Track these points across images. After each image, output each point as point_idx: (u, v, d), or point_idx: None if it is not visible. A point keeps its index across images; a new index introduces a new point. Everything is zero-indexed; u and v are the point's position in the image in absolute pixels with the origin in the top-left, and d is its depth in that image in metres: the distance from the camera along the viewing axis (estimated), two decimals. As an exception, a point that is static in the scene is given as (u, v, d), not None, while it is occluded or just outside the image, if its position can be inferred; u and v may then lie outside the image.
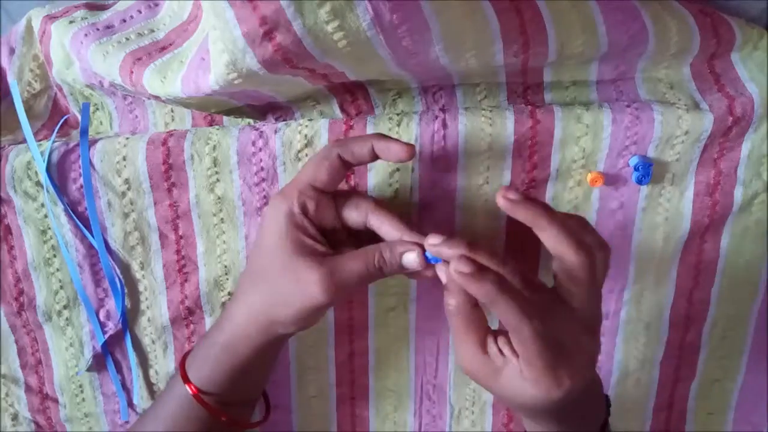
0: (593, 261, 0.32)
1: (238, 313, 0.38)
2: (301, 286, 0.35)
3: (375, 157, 0.36)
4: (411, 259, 0.35)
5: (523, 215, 0.32)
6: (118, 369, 0.48)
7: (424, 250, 0.35)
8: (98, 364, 0.48)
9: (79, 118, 0.44)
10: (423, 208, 0.42)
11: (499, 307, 0.30)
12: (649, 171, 0.41)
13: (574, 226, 0.32)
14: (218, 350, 0.38)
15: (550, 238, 0.32)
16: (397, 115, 0.41)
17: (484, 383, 0.34)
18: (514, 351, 0.32)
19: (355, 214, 0.37)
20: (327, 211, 0.37)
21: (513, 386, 0.32)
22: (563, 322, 0.32)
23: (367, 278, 0.35)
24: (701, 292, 0.45)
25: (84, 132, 0.43)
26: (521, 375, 0.32)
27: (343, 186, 0.42)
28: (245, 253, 0.44)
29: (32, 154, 0.43)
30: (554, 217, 0.32)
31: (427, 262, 0.35)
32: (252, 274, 0.38)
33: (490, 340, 0.33)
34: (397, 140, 0.35)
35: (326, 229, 0.37)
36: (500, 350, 0.33)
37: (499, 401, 0.36)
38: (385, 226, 0.36)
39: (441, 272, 0.35)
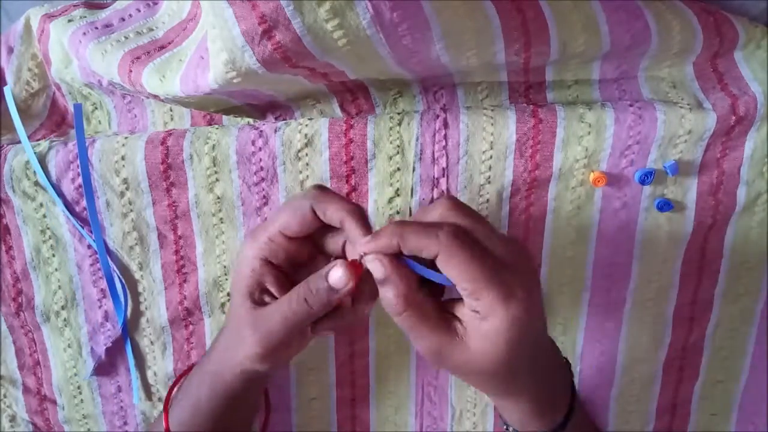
0: (445, 238, 0.30)
1: (215, 354, 0.38)
2: (240, 332, 0.34)
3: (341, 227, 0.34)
4: (337, 276, 0.32)
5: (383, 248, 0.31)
6: (117, 371, 0.48)
7: (353, 262, 0.32)
8: (102, 367, 0.48)
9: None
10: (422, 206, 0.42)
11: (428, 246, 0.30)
12: (652, 171, 0.41)
13: (416, 226, 0.31)
14: (204, 380, 0.39)
15: (411, 250, 0.31)
16: (398, 114, 0.41)
17: (455, 363, 0.32)
18: (468, 311, 0.31)
19: (331, 243, 0.36)
20: (300, 251, 0.35)
21: (478, 340, 0.31)
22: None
23: (293, 319, 0.33)
24: (704, 292, 0.45)
25: (79, 132, 0.42)
26: (477, 318, 0.31)
27: (343, 186, 0.42)
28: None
29: (28, 155, 0.43)
30: (403, 230, 0.31)
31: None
32: (228, 317, 0.38)
33: (445, 316, 0.32)
34: (364, 227, 0.33)
35: (305, 265, 0.36)
36: (456, 317, 0.32)
37: (473, 382, 0.34)
38: (350, 231, 0.33)
39: (375, 264, 0.31)
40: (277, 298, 0.34)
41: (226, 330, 0.38)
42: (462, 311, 0.32)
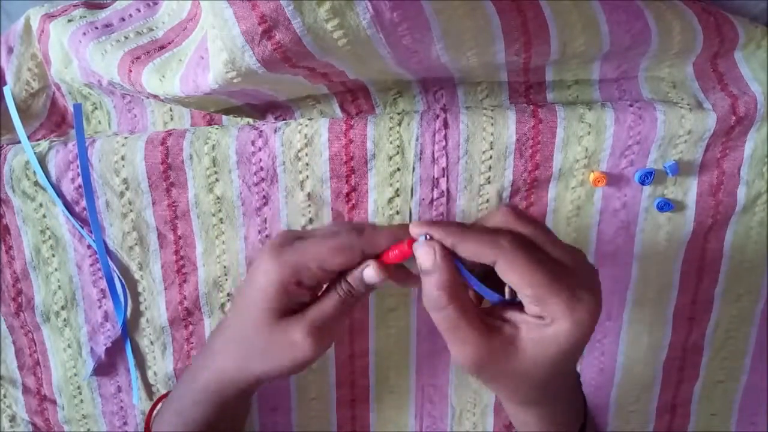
0: (514, 247, 0.30)
1: (219, 368, 0.37)
2: (288, 345, 0.34)
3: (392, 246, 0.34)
4: (369, 274, 0.33)
5: (439, 239, 0.31)
6: (116, 371, 0.48)
7: (381, 262, 0.33)
8: (102, 367, 0.48)
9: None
10: (423, 208, 0.42)
11: (500, 247, 0.30)
12: (652, 171, 0.41)
13: (482, 228, 0.32)
14: (197, 397, 0.38)
15: (469, 253, 0.31)
16: (398, 114, 0.41)
17: (500, 368, 0.31)
18: (519, 310, 0.31)
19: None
20: (323, 277, 0.35)
21: (535, 344, 0.30)
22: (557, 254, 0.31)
23: (343, 310, 0.34)
24: (704, 292, 0.45)
25: (79, 132, 0.42)
26: (539, 323, 0.30)
27: (343, 186, 0.42)
28: (245, 254, 0.44)
29: (28, 155, 0.43)
30: (463, 231, 0.31)
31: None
32: (233, 334, 0.37)
33: (488, 318, 0.31)
34: (415, 225, 0.32)
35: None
36: (504, 320, 0.31)
37: (510, 389, 0.33)
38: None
39: (423, 252, 0.31)
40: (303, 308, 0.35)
41: (231, 344, 0.36)
42: (516, 317, 0.31)
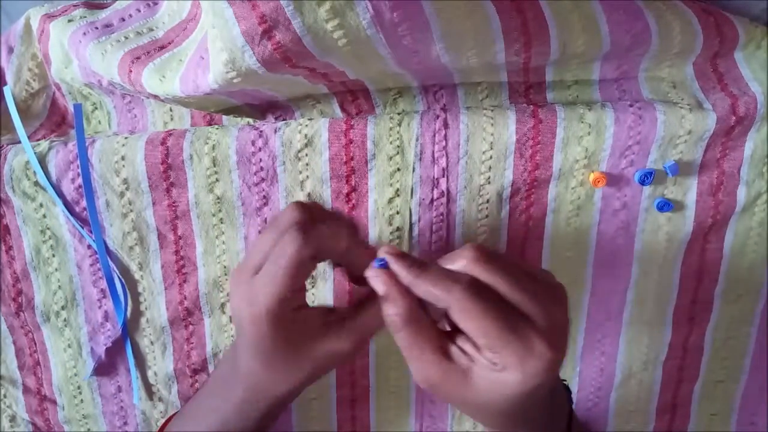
0: (469, 292, 0.30)
1: (240, 391, 0.37)
2: (317, 362, 0.34)
3: (347, 247, 0.34)
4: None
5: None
6: (117, 371, 0.48)
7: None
8: (102, 367, 0.48)
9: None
10: (423, 208, 0.42)
11: (451, 293, 0.29)
12: (652, 171, 0.41)
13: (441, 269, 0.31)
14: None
15: (423, 294, 0.31)
16: (398, 114, 0.41)
17: (452, 393, 0.31)
18: (476, 346, 0.31)
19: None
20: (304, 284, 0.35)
21: (487, 383, 0.30)
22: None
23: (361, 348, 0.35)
24: (704, 292, 0.45)
25: (79, 132, 0.42)
26: (491, 367, 0.30)
27: (343, 186, 0.42)
28: (245, 254, 0.44)
29: (28, 155, 0.43)
30: (420, 271, 0.31)
31: (376, 266, 0.33)
32: (255, 353, 0.35)
33: (448, 344, 0.32)
34: (365, 249, 0.33)
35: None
36: (462, 350, 0.31)
37: (468, 412, 0.34)
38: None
39: (377, 281, 0.32)
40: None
41: (258, 359, 0.35)
42: (472, 352, 0.31)
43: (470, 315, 0.29)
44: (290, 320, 0.33)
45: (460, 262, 0.31)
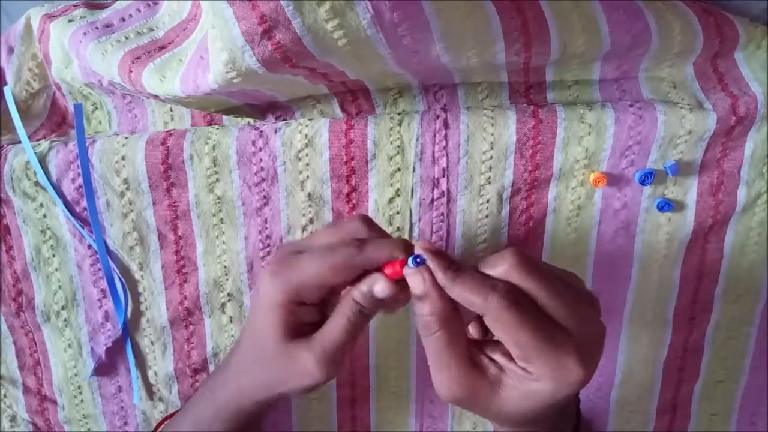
0: (507, 303, 0.29)
1: (230, 391, 0.37)
2: (298, 370, 0.34)
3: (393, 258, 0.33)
4: (380, 288, 0.32)
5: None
6: (117, 371, 0.48)
7: (385, 274, 0.32)
8: (102, 367, 0.48)
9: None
10: (424, 208, 0.42)
11: (498, 298, 0.29)
12: (652, 171, 0.41)
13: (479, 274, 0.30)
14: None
15: (458, 298, 0.30)
16: (398, 114, 0.41)
17: (480, 404, 0.31)
18: (507, 355, 0.30)
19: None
20: (325, 293, 0.35)
21: (518, 394, 0.30)
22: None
23: (353, 331, 0.33)
24: (704, 293, 0.45)
25: (80, 132, 0.42)
26: (525, 376, 0.30)
27: (343, 186, 0.42)
28: (245, 254, 0.44)
29: (28, 155, 0.43)
30: (457, 274, 0.30)
31: (413, 266, 0.32)
32: (245, 358, 0.37)
33: (476, 352, 0.31)
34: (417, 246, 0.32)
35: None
36: (491, 359, 0.31)
37: (489, 418, 0.34)
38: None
39: (416, 279, 0.31)
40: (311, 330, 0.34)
41: (247, 364, 0.36)
42: (504, 361, 0.31)
43: (507, 324, 0.29)
44: (295, 314, 0.34)
45: (501, 267, 0.30)
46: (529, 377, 0.30)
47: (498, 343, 0.31)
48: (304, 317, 0.34)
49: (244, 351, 0.37)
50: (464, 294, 0.30)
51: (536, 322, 0.29)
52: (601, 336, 0.31)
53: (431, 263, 0.31)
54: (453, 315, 0.31)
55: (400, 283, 0.32)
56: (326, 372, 0.33)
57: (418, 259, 0.31)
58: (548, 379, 0.29)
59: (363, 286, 0.32)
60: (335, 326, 0.33)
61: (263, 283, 0.34)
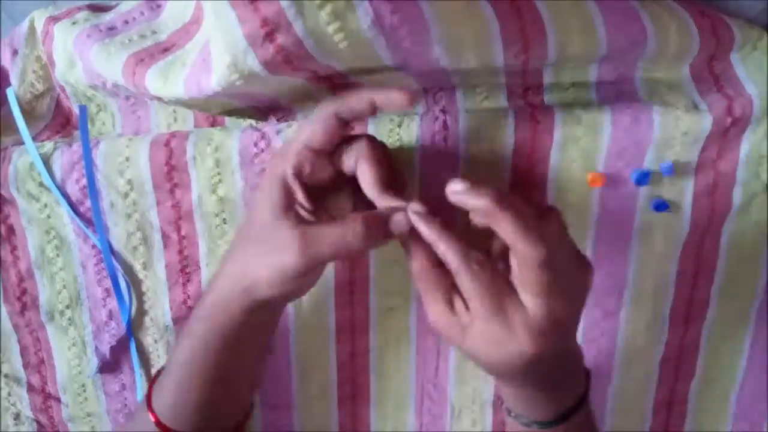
0: (552, 256, 0.31)
1: (221, 280, 0.36)
2: (277, 246, 0.34)
3: (374, 110, 0.35)
4: (400, 222, 0.34)
5: (474, 205, 0.32)
6: (121, 369, 0.48)
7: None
8: (106, 366, 0.48)
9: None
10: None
11: (500, 220, 0.31)
12: (648, 172, 0.41)
13: (531, 215, 0.32)
14: (198, 327, 0.37)
15: (504, 231, 0.31)
16: (398, 116, 0.41)
17: (454, 341, 0.34)
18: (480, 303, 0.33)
19: (351, 162, 0.36)
20: (324, 170, 0.36)
21: (480, 342, 0.33)
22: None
23: (343, 250, 0.34)
24: (701, 292, 0.45)
25: (84, 134, 0.43)
26: (480, 328, 0.32)
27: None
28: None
29: (32, 158, 0.43)
30: (507, 206, 0.31)
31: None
32: (238, 240, 0.37)
33: (456, 298, 0.34)
34: (397, 89, 0.34)
35: (325, 190, 0.37)
36: (466, 307, 0.33)
37: (473, 360, 0.36)
38: (365, 182, 0.35)
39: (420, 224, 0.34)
40: (303, 215, 0.35)
41: (237, 254, 0.36)
42: (476, 308, 0.33)
43: (463, 285, 0.32)
44: (287, 189, 0.35)
45: (481, 200, 0.32)
46: (481, 328, 0.32)
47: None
48: (297, 197, 0.35)
49: (238, 241, 0.37)
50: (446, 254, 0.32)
51: (491, 285, 0.32)
52: (563, 320, 0.33)
53: (471, 194, 0.32)
54: (434, 266, 0.34)
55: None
56: (301, 259, 0.33)
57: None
58: (490, 336, 0.32)
59: (382, 214, 0.34)
60: (329, 234, 0.34)
61: (270, 164, 0.36)
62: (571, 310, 0.34)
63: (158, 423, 0.38)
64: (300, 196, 0.35)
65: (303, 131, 0.35)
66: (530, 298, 0.32)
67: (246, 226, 0.37)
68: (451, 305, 0.34)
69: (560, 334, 0.33)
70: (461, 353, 0.35)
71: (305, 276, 0.35)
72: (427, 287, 0.34)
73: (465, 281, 0.32)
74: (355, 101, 0.35)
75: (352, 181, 0.36)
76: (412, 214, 0.33)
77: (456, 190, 0.32)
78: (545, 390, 0.36)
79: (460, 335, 0.33)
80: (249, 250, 0.36)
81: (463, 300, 0.33)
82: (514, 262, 0.32)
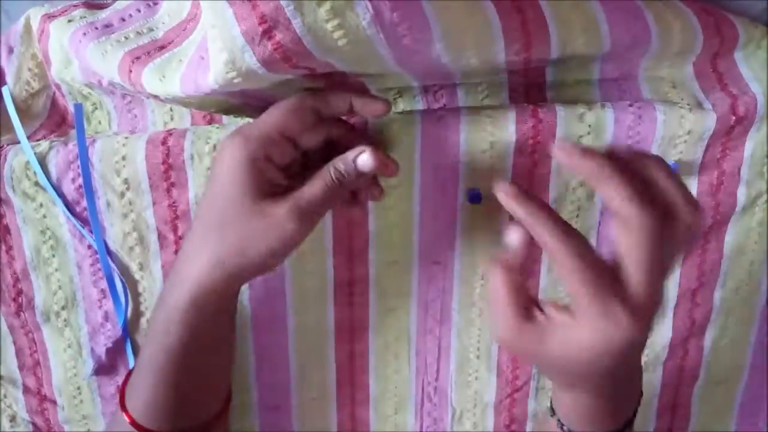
0: (657, 224, 0.29)
1: (197, 267, 0.35)
2: (271, 223, 0.34)
3: (351, 111, 0.36)
4: (364, 159, 0.34)
5: (580, 168, 0.30)
6: (117, 371, 0.48)
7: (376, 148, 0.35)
8: (102, 368, 0.48)
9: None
10: (424, 208, 0.42)
11: (608, 186, 0.29)
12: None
13: (642, 182, 0.30)
14: (176, 316, 0.36)
15: (613, 195, 0.29)
16: (399, 114, 0.41)
17: (529, 351, 0.32)
18: (557, 308, 0.31)
19: (313, 137, 0.37)
20: (288, 155, 0.36)
21: (559, 340, 0.31)
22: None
23: (330, 197, 0.34)
24: (704, 292, 0.45)
25: (80, 132, 0.42)
26: (568, 323, 0.30)
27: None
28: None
29: (28, 157, 0.43)
30: (615, 169, 0.30)
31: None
32: (208, 226, 0.35)
33: (530, 303, 0.32)
34: (374, 97, 0.35)
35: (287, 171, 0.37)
36: (542, 311, 0.32)
37: (542, 370, 0.35)
38: (362, 106, 0.36)
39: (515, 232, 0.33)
40: (283, 186, 0.35)
41: (210, 244, 0.35)
42: (553, 311, 0.32)
43: (561, 267, 0.30)
44: (260, 170, 0.34)
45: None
46: (572, 324, 0.30)
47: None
48: (272, 180, 0.35)
49: (204, 226, 0.35)
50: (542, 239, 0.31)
51: (596, 271, 0.29)
52: (655, 303, 0.31)
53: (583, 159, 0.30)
54: (519, 268, 0.32)
55: (384, 157, 0.35)
56: (298, 223, 0.34)
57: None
58: (589, 326, 0.29)
59: (349, 155, 0.35)
60: (311, 187, 0.34)
61: (225, 145, 0.35)
62: (659, 294, 0.31)
63: (133, 423, 0.37)
64: (275, 173, 0.35)
65: (273, 116, 0.35)
66: (633, 272, 0.29)
67: (213, 216, 0.35)
68: (525, 315, 0.32)
69: (651, 319, 0.31)
70: (537, 363, 0.33)
71: (307, 227, 0.35)
72: (506, 302, 0.32)
73: (566, 260, 0.29)
74: (333, 99, 0.36)
75: (316, 165, 0.36)
76: (502, 195, 0.31)
77: (567, 151, 0.31)
78: (611, 399, 0.35)
79: (536, 343, 0.31)
80: (231, 237, 0.34)
81: (538, 305, 0.32)
82: (618, 232, 0.30)
